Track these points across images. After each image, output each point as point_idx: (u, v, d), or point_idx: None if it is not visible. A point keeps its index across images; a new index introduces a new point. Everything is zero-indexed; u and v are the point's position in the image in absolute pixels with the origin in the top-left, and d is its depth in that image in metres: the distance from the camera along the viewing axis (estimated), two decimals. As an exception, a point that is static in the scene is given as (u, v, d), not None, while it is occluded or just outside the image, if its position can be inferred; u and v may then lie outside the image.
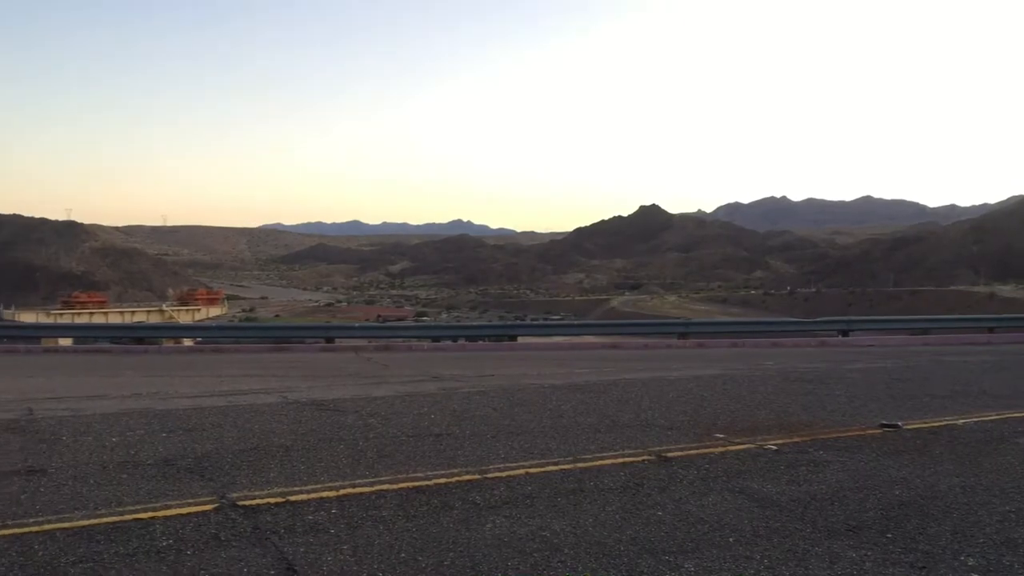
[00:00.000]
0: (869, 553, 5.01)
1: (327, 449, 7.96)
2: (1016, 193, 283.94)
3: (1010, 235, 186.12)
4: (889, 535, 5.35)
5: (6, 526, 5.35)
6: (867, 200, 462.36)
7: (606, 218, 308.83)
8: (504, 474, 6.88)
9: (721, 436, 8.68)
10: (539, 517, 5.66)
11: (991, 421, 9.92)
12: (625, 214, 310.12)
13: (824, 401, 11.92)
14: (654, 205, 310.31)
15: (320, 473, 6.90)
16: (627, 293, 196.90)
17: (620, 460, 7.48)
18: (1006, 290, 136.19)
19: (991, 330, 26.18)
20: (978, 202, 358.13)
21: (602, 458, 7.54)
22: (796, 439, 8.54)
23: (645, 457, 7.63)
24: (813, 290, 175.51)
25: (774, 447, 8.16)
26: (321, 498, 6.08)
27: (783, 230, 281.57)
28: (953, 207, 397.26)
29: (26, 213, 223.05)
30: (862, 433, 9.02)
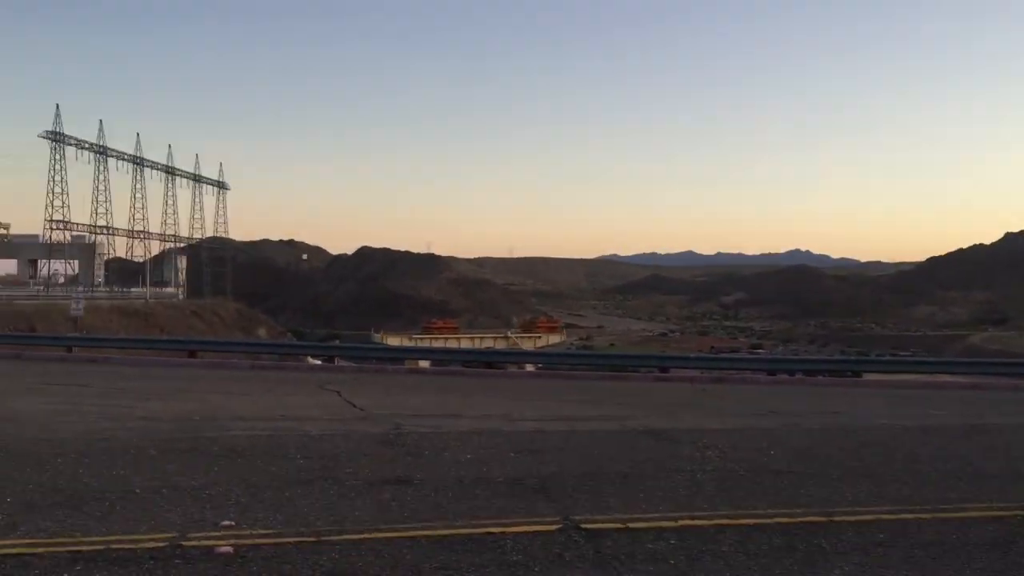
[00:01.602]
0: None
1: (664, 479, 8.00)
2: None
3: None
4: None
5: (379, 529, 5.97)
6: None
7: (964, 247, 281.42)
8: (852, 519, 6.51)
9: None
10: (892, 569, 5.29)
11: None
12: (987, 242, 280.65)
13: None
14: (1023, 231, 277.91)
15: (658, 502, 6.96)
16: (990, 329, 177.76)
17: (988, 513, 6.77)
18: None
19: None
20: None
21: (967, 510, 6.88)
22: None
23: (1018, 512, 6.84)
24: None
25: None
26: (660, 527, 6.13)
27: None
28: None
29: (393, 247, 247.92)
30: None
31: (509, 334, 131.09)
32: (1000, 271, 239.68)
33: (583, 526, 6.13)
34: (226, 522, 6.09)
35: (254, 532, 5.85)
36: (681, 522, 6.29)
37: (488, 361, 26.06)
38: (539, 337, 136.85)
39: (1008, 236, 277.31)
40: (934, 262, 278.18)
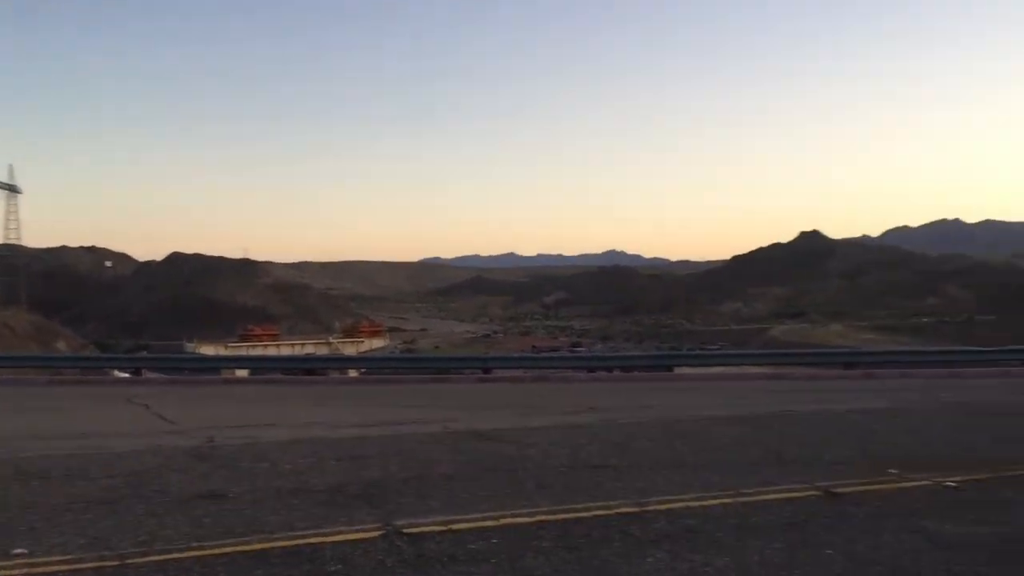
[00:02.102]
0: (1065, 602, 4.65)
1: (487, 479, 8.08)
2: None
3: None
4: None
5: (191, 548, 5.70)
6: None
7: (764, 245, 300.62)
8: (664, 507, 6.79)
9: (895, 472, 8.25)
10: (701, 553, 5.54)
11: None
12: (784, 240, 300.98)
13: (1009, 436, 11.16)
14: (815, 231, 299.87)
15: (481, 502, 7.01)
16: (788, 322, 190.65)
17: (785, 495, 7.23)
18: None
19: None
20: None
21: (766, 493, 7.31)
22: (978, 476, 8.02)
23: (812, 493, 7.35)
24: (993, 317, 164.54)
25: (953, 484, 7.69)
26: (483, 527, 6.17)
27: (957, 254, 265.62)
28: None
29: (206, 252, 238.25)
30: (1055, 471, 8.38)
31: (331, 340, 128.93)
32: (796, 268, 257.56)
33: (405, 531, 6.08)
34: (18, 550, 5.65)
35: (50, 559, 5.45)
36: (503, 521, 6.36)
37: (309, 368, 25.49)
38: (362, 342, 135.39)
39: (802, 235, 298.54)
40: (738, 261, 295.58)
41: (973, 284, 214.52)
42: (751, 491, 7.38)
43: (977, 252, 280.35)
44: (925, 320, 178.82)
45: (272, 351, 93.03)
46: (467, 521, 6.33)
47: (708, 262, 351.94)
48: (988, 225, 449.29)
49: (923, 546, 5.75)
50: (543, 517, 6.47)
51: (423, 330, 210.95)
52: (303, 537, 5.92)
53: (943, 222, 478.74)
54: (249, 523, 6.37)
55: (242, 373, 27.82)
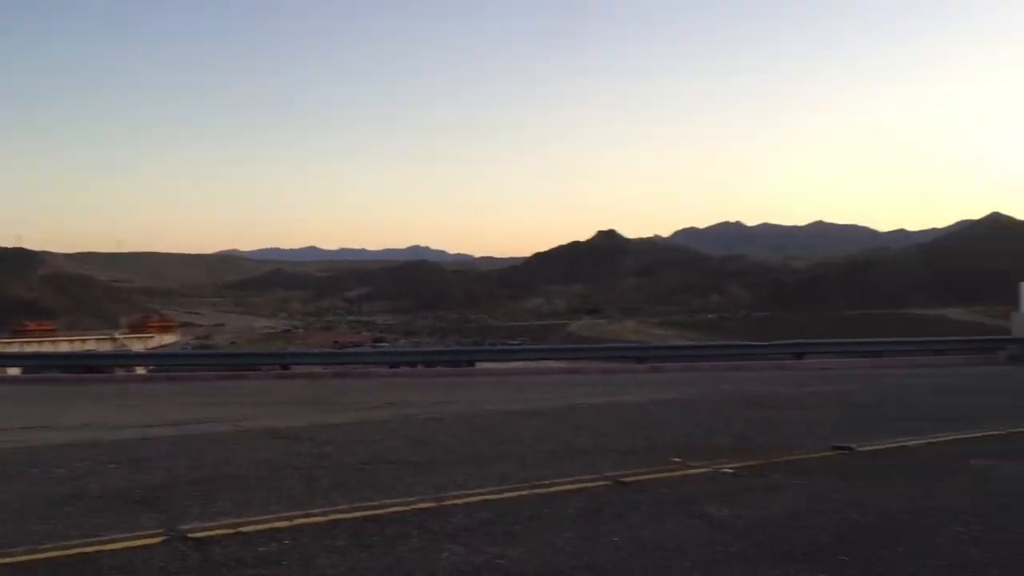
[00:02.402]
0: (824, 576, 5.04)
1: (281, 479, 7.84)
2: (963, 218, 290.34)
3: (958, 259, 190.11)
4: (844, 558, 5.37)
5: (-56, 563, 5.18)
6: (820, 225, 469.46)
7: (564, 243, 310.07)
8: (462, 501, 6.82)
9: (678, 460, 8.69)
10: (496, 544, 5.60)
11: (942, 443, 10.07)
12: (583, 239, 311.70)
13: (780, 424, 12.03)
14: (611, 230, 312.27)
15: (273, 503, 6.78)
16: (585, 318, 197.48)
17: (577, 486, 7.45)
18: (955, 313, 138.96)
19: (941, 352, 26.64)
20: (927, 227, 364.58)
21: (560, 484, 7.50)
22: (752, 462, 8.58)
23: (602, 483, 7.61)
24: (769, 314, 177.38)
25: (731, 471, 8.19)
26: (274, 529, 5.96)
27: (739, 254, 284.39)
28: (903, 231, 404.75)
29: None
30: (817, 456, 9.10)
31: (116, 335, 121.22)
32: (594, 265, 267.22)
33: (190, 535, 5.78)
34: None
35: None
36: (296, 521, 6.17)
37: (90, 365, 23.86)
38: (151, 337, 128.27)
39: (600, 234, 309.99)
40: (540, 258, 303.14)
41: (752, 283, 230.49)
42: (546, 483, 7.55)
43: (756, 253, 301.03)
44: (710, 316, 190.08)
45: (49, 347, 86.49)
46: (257, 523, 6.10)
47: (511, 259, 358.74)
48: (765, 228, 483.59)
49: (703, 530, 6.07)
50: (338, 516, 6.34)
51: (219, 325, 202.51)
52: (77, 547, 5.50)
53: (726, 224, 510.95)
54: (15, 534, 5.85)
55: (14, 371, 25.65)
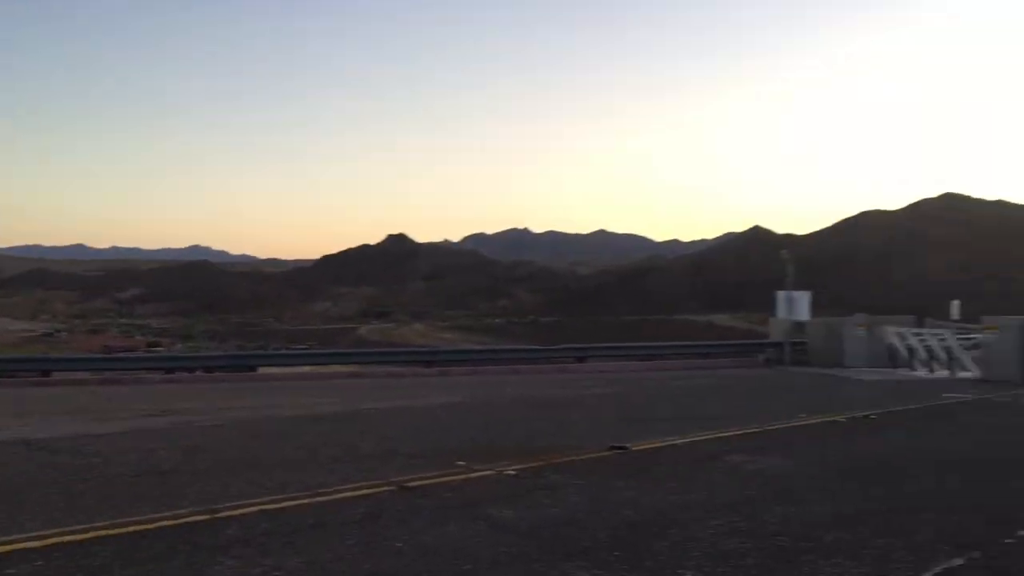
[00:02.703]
0: (600, 573, 5.21)
1: (36, 494, 7.22)
2: (729, 231, 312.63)
3: (724, 269, 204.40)
4: (617, 553, 5.59)
5: None
6: (602, 233, 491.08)
7: (354, 246, 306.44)
8: (237, 512, 6.53)
9: (462, 463, 8.75)
10: (273, 556, 5.40)
11: (706, 440, 10.74)
12: (373, 242, 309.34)
13: (561, 425, 12.41)
14: (401, 234, 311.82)
15: (25, 522, 6.22)
16: (374, 321, 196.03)
17: (361, 492, 7.33)
18: (722, 319, 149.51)
19: (710, 356, 28.51)
20: (698, 238, 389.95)
21: (343, 491, 7.36)
22: (534, 464, 8.78)
23: (385, 488, 7.53)
24: (554, 319, 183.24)
25: (513, 472, 8.34)
26: (25, 549, 5.46)
27: (526, 260, 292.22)
28: (677, 242, 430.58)
29: None
30: (595, 456, 9.44)
31: None
32: (383, 269, 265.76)
33: (-76, 562, 5.19)
34: None
35: None
36: (51, 540, 5.68)
37: None
38: None
39: (390, 237, 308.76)
40: (328, 260, 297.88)
41: (539, 288, 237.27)
42: (328, 489, 7.38)
43: (542, 259, 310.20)
44: (497, 320, 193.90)
45: None
46: (3, 545, 5.57)
47: (298, 261, 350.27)
48: (552, 235, 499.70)
49: (484, 532, 6.14)
50: (101, 532, 5.90)
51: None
52: None
53: (514, 230, 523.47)
54: None
55: None
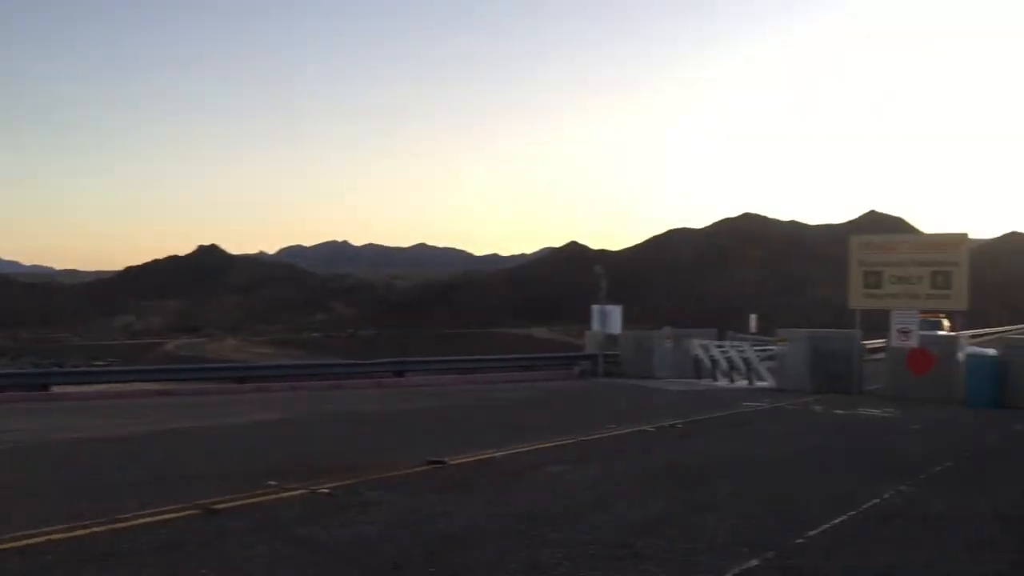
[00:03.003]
0: (413, 589, 5.14)
1: None
2: (547, 245, 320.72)
3: (542, 283, 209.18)
4: (432, 570, 5.54)
5: None
6: (422, 247, 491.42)
7: (160, 257, 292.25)
8: (21, 544, 6.01)
9: (274, 483, 8.43)
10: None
11: (524, 452, 10.87)
12: (182, 253, 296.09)
13: (378, 441, 12.25)
14: (213, 245, 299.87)
15: None
16: (184, 336, 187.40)
17: (163, 517, 6.92)
18: (540, 331, 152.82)
19: (528, 368, 28.98)
20: (517, 252, 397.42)
21: (143, 516, 6.92)
22: (349, 481, 8.59)
23: (191, 512, 7.15)
24: (373, 332, 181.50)
25: (327, 491, 8.12)
26: None
27: (345, 273, 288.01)
28: (496, 256, 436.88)
29: None
30: (412, 471, 9.35)
31: None
32: (194, 281, 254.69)
33: None
34: None
35: None
36: None
37: None
38: None
39: (201, 248, 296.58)
40: (133, 272, 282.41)
41: (358, 301, 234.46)
42: (127, 515, 6.93)
43: (361, 272, 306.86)
44: (315, 335, 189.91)
45: None
46: None
47: (99, 272, 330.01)
48: (371, 248, 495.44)
49: (296, 553, 5.93)
50: None
51: None
52: None
53: (333, 243, 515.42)
54: None
55: None
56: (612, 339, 27.59)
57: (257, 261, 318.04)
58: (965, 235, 21.23)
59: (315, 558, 5.78)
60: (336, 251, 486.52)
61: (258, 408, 17.21)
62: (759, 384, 22.89)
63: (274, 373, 27.33)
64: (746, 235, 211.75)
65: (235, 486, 8.28)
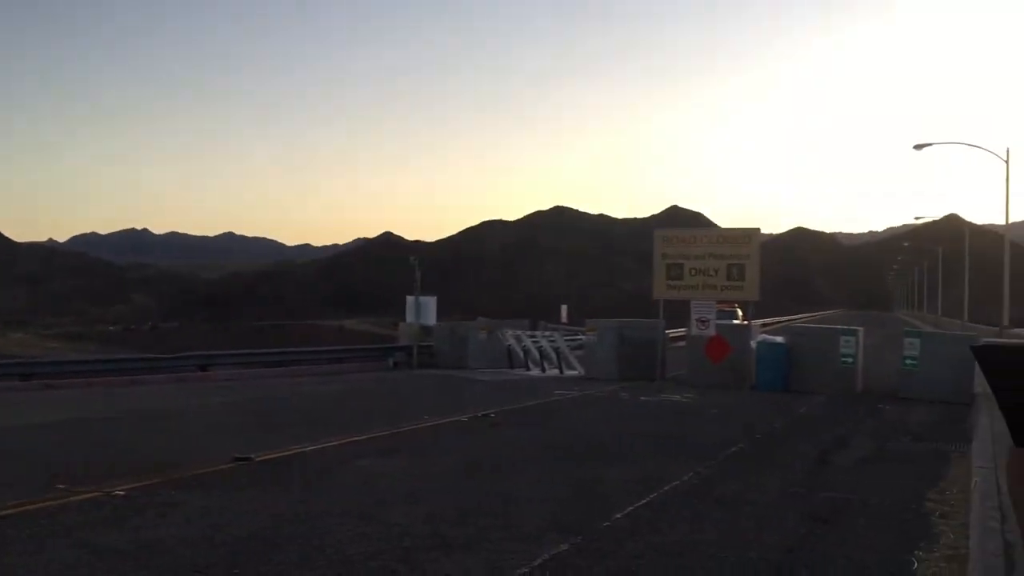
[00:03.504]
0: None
1: None
2: (360, 236, 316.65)
3: (356, 274, 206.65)
4: (236, 571, 5.32)
5: None
6: (230, 236, 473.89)
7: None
8: None
9: (63, 487, 7.86)
10: None
11: (335, 446, 10.66)
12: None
13: (181, 439, 11.68)
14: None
15: None
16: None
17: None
18: (353, 323, 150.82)
19: (341, 360, 28.49)
20: (329, 243, 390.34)
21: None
22: (148, 482, 8.13)
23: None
24: (177, 325, 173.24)
25: (122, 493, 7.65)
26: None
27: (145, 263, 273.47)
28: (308, 246, 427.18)
29: None
30: (217, 469, 8.98)
31: None
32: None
33: None
34: None
35: None
36: None
37: None
38: None
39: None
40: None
41: (159, 292, 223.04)
42: None
43: (163, 262, 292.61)
44: (112, 328, 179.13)
45: None
46: None
47: None
48: (174, 236, 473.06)
49: (87, 559, 5.56)
50: None
51: None
52: None
53: (132, 231, 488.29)
54: None
55: None
56: (427, 330, 27.62)
57: (46, 249, 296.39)
58: (756, 230, 22.65)
59: (107, 564, 5.44)
60: (135, 239, 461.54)
61: (47, 408, 16.00)
62: (569, 373, 23.55)
63: (66, 369, 25.52)
64: (557, 228, 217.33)
65: (19, 492, 7.66)
